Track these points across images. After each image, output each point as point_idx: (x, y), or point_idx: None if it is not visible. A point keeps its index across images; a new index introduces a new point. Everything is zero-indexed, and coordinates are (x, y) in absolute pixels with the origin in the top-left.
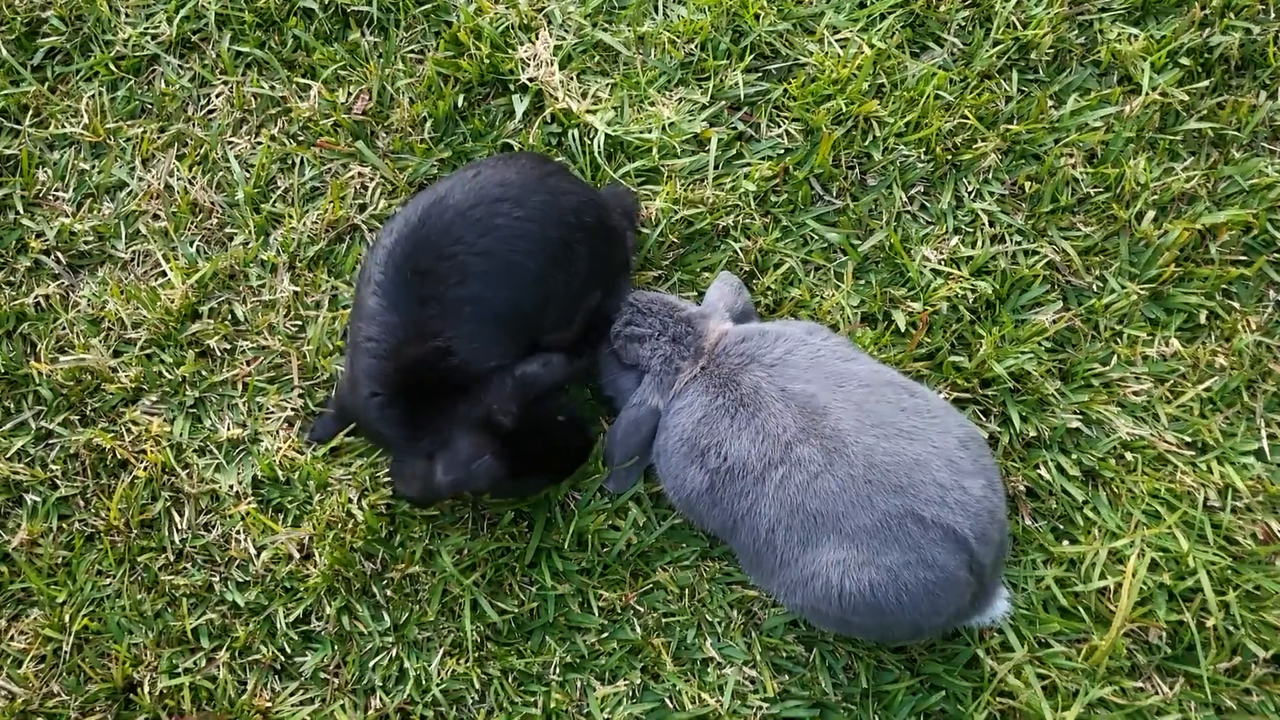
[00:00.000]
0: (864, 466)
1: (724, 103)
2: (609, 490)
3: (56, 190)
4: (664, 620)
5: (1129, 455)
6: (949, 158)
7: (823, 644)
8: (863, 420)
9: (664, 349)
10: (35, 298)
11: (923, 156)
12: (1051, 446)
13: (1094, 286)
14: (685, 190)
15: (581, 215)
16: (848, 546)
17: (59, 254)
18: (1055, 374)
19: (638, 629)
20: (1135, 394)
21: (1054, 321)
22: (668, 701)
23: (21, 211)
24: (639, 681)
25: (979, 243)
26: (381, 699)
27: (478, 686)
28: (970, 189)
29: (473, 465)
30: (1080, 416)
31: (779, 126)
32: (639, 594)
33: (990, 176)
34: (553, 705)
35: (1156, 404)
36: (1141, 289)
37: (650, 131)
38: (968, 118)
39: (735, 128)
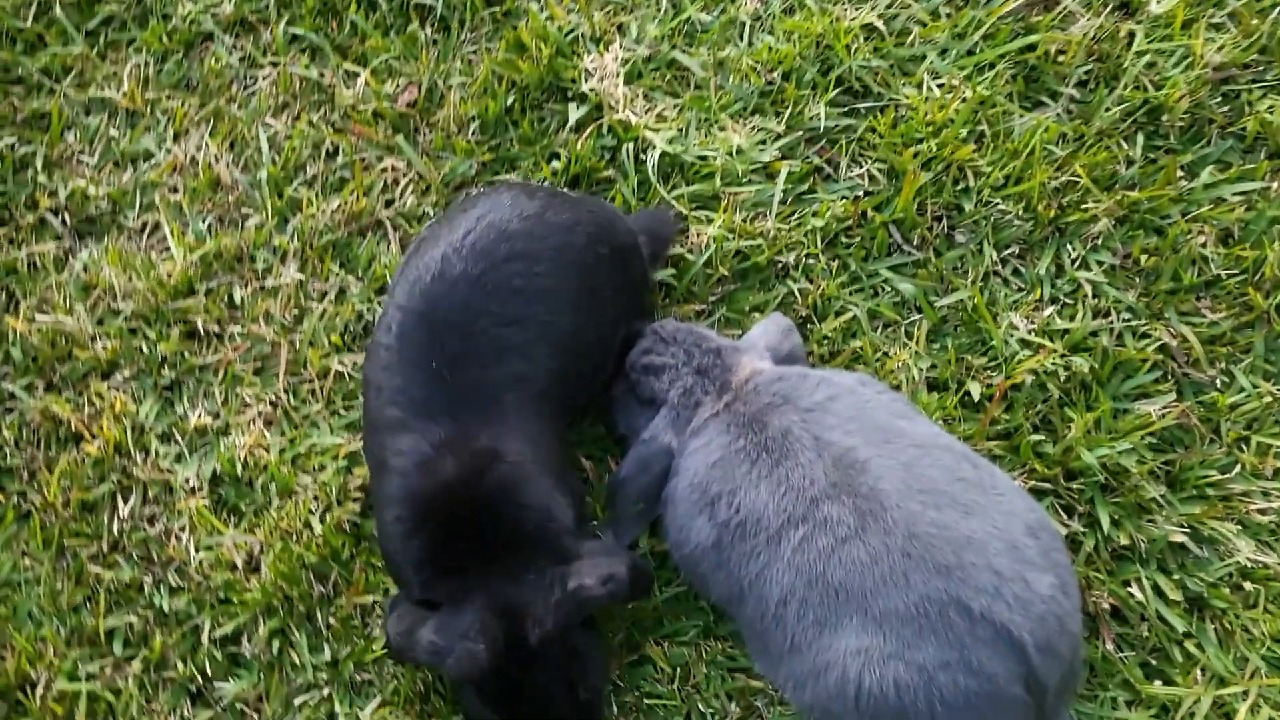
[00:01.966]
0: (903, 536)
1: (801, 132)
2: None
3: (82, 154)
4: (647, 702)
5: (1248, 585)
6: (1052, 218)
7: None
8: (909, 483)
9: (685, 380)
10: (30, 255)
11: (1022, 214)
12: (1149, 562)
13: (1217, 381)
14: (744, 222)
15: (597, 248)
16: (873, 633)
17: (67, 214)
18: (1159, 477)
19: (614, 707)
20: (1261, 513)
21: (1163, 414)
22: None
23: (40, 169)
24: None
25: (1079, 316)
26: None
27: None
28: (1074, 255)
29: (459, 647)
30: (1188, 531)
31: (860, 166)
32: (624, 667)
33: (1100, 244)
34: None
35: None
36: (1277, 390)
37: (714, 156)
38: (1079, 176)
39: (810, 161)
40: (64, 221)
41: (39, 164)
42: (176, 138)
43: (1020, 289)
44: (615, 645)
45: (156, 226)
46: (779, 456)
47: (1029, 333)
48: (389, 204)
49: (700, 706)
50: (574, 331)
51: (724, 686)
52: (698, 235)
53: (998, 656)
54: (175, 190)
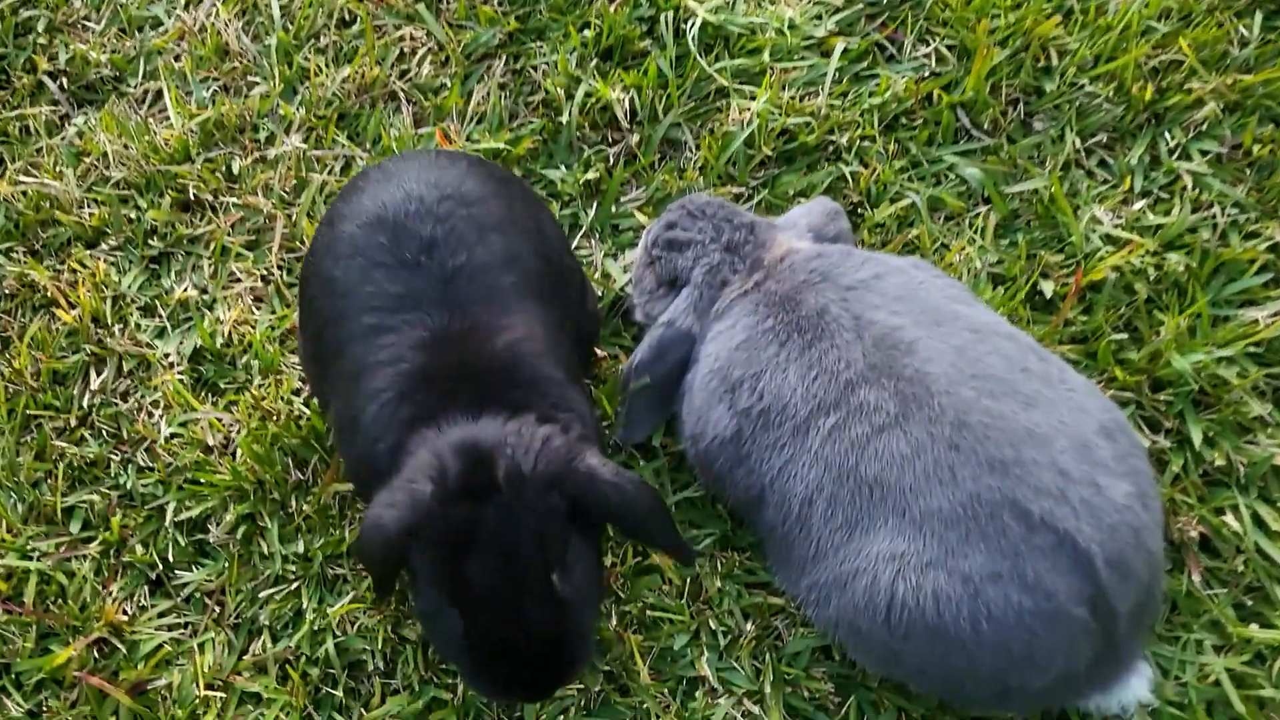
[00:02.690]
0: (952, 425)
1: (861, 5)
2: (618, 439)
3: (88, 20)
4: (652, 615)
5: None
6: (1149, 102)
7: (863, 690)
8: (962, 368)
9: (712, 257)
10: (23, 118)
11: (1113, 97)
12: (1248, 488)
13: None
14: (793, 99)
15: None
16: (911, 537)
17: (65, 80)
18: (1264, 393)
19: (614, 618)
20: None
21: (1271, 322)
22: None
23: (41, 32)
24: (597, 690)
25: (1176, 210)
26: (264, 643)
27: (385, 653)
28: (1172, 144)
29: (398, 490)
30: None
31: (927, 44)
32: (629, 574)
33: (1204, 131)
34: (472, 694)
35: None
36: None
37: (763, 28)
38: (1185, 55)
39: (871, 37)
40: (62, 87)
41: (41, 27)
42: (187, 4)
43: (1106, 181)
44: (615, 552)
45: (158, 95)
46: (812, 337)
47: (1115, 227)
48: (404, 75)
49: (711, 624)
50: (540, 230)
51: (740, 603)
52: (739, 111)
53: (1059, 570)
54: (179, 58)
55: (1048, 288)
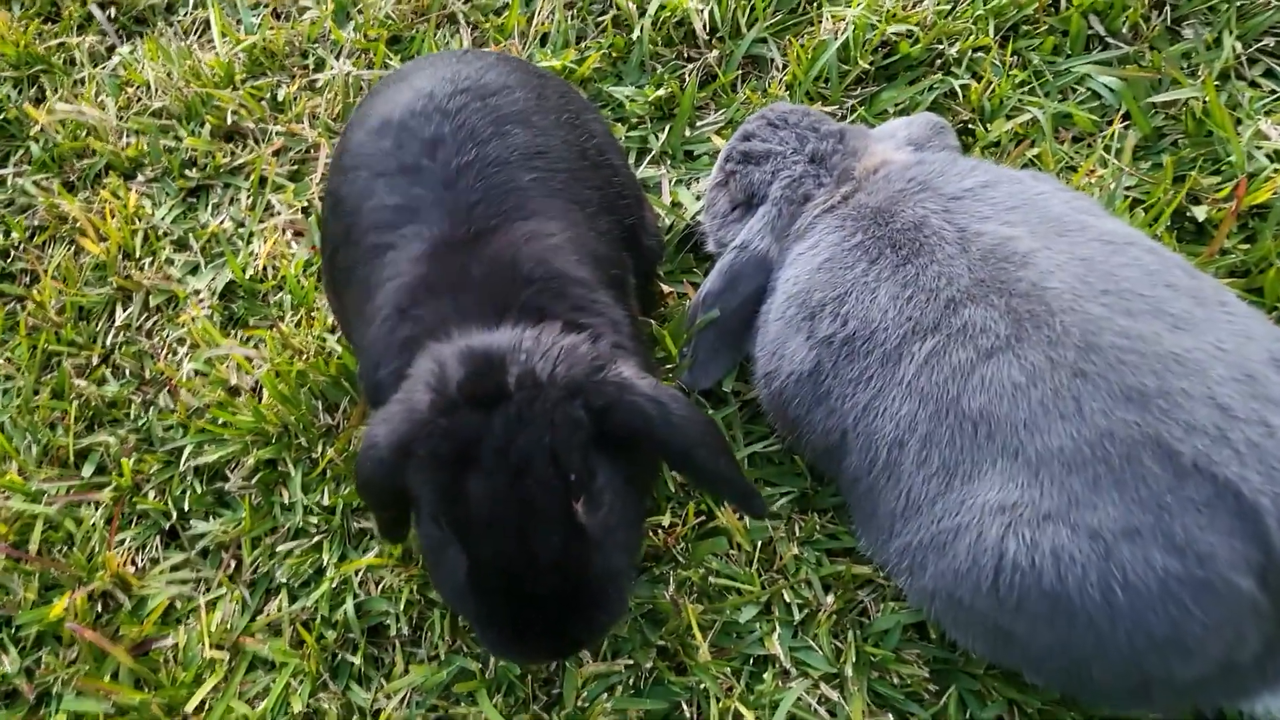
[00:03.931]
0: (1077, 348)
1: None
2: (683, 384)
3: None
4: (715, 583)
5: None
6: None
7: (965, 678)
8: (1090, 282)
9: (793, 169)
10: (67, 49)
11: None
12: None
13: None
14: (894, 5)
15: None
16: (1026, 483)
17: (115, 9)
18: None
19: (671, 585)
20: None
21: None
22: (684, 708)
23: None
24: (649, 666)
25: None
26: (281, 603)
27: (409, 618)
28: None
29: (393, 404)
30: None
31: None
32: (690, 536)
33: None
34: (503, 666)
35: None
36: None
37: None
38: None
39: None
40: (111, 17)
41: None
42: None
43: (1275, 93)
44: (676, 512)
45: (208, 25)
46: (908, 253)
47: None
48: None
49: (785, 595)
50: (578, 124)
51: (819, 572)
52: (833, 20)
53: (1216, 528)
54: None
55: (1200, 213)
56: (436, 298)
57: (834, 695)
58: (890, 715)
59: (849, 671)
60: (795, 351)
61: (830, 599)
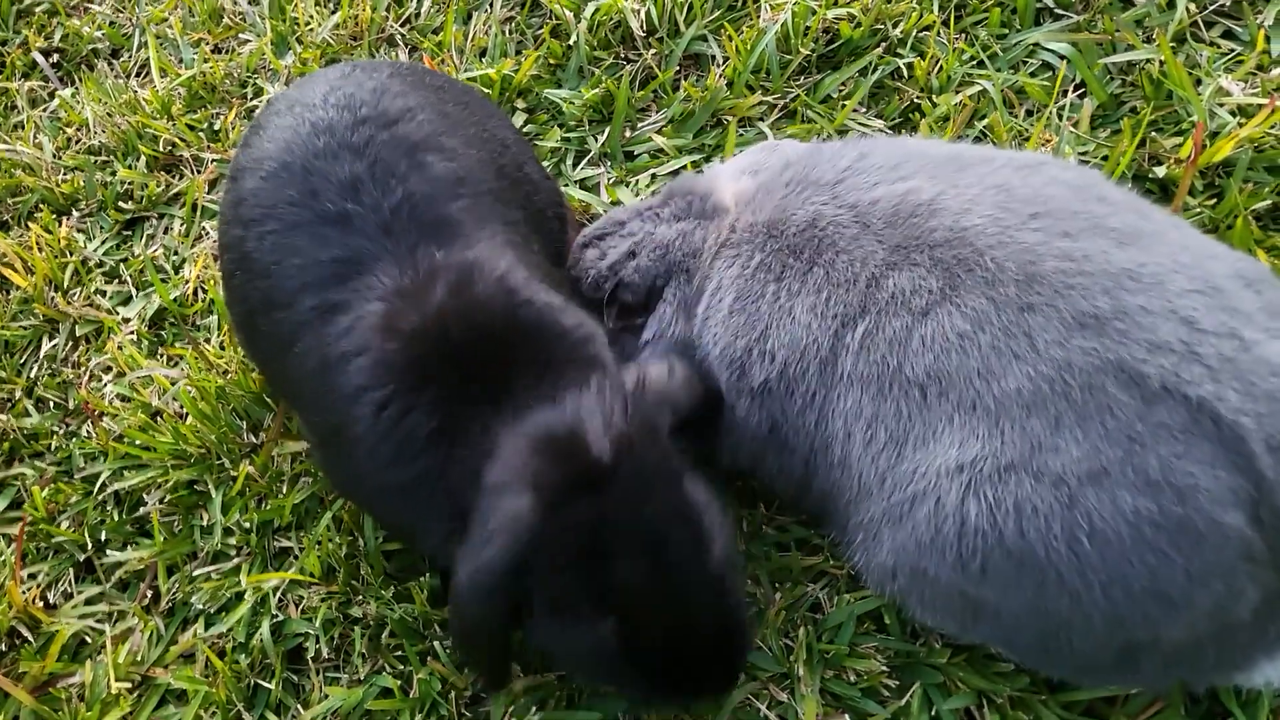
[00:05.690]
0: (1017, 283)
1: None
2: None
3: (90, 2)
4: None
5: None
6: None
7: (927, 670)
8: (1012, 209)
9: (662, 235)
10: (9, 95)
11: None
12: None
13: None
14: None
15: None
16: (985, 434)
17: (59, 56)
18: None
19: None
20: None
21: None
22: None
23: (40, 15)
24: None
25: None
26: (196, 631)
27: (330, 639)
28: None
29: (495, 518)
30: None
31: None
32: None
33: None
34: (423, 680)
35: None
36: None
37: None
38: None
39: None
40: (55, 64)
41: (41, 9)
42: None
43: (1232, 53)
44: None
45: (146, 65)
46: (810, 255)
47: (1249, 95)
48: (402, 17)
49: None
50: (481, 126)
51: (766, 567)
52: (771, 10)
53: (1195, 456)
54: (174, 27)
55: (1160, 172)
56: (428, 373)
57: (784, 697)
58: (847, 717)
59: (800, 671)
60: (747, 416)
61: (778, 596)
